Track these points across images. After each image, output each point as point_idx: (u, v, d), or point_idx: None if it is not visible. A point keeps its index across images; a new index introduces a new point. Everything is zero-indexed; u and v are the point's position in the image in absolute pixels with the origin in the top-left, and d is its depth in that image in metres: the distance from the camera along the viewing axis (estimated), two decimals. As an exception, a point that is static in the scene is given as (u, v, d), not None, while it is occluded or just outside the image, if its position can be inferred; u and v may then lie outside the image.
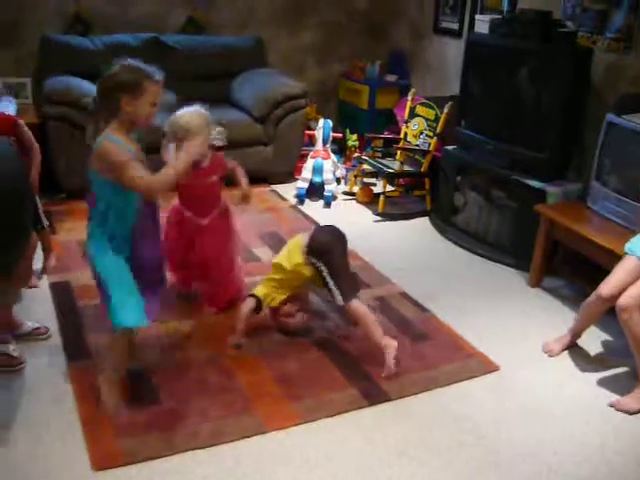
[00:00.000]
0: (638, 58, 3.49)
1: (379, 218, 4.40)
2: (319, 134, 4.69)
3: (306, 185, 4.57)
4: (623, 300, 2.51)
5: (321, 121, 4.76)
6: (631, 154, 3.14)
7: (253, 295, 2.82)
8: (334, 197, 4.64)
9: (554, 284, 3.52)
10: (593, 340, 2.99)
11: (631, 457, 2.30)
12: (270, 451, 2.23)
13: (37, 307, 3.00)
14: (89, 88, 3.87)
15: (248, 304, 2.81)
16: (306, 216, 4.30)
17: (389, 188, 4.53)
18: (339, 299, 2.70)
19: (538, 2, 3.91)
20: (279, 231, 3.98)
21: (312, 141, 4.86)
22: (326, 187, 4.56)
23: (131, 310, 2.19)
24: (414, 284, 3.43)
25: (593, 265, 3.09)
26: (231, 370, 2.63)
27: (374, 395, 2.53)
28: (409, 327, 3.02)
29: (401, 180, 4.71)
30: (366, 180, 4.86)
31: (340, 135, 5.16)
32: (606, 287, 2.63)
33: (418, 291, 3.35)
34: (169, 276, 2.80)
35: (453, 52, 4.94)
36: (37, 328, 2.78)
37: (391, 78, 5.55)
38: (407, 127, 4.75)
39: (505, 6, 4.23)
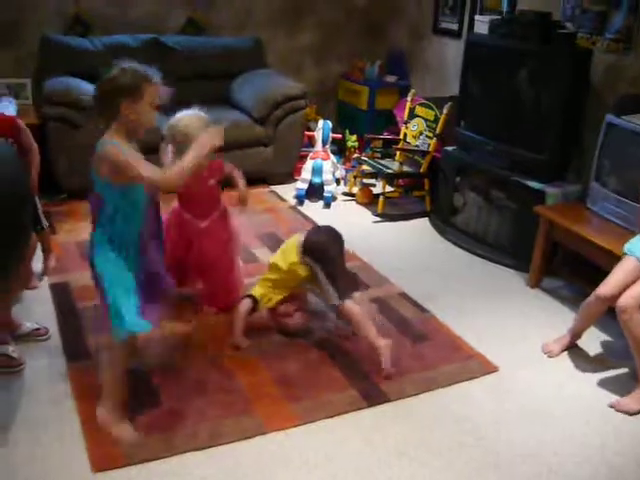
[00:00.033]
0: (637, 59, 3.49)
1: (378, 219, 4.40)
2: (318, 135, 4.69)
3: (306, 186, 4.57)
4: (623, 301, 2.51)
5: (320, 122, 4.76)
6: (630, 155, 3.15)
7: (250, 295, 2.83)
8: (334, 198, 4.64)
9: (553, 285, 3.52)
10: (593, 341, 2.99)
11: (631, 458, 2.30)
12: (269, 452, 2.23)
13: (37, 308, 3.00)
14: (89, 89, 3.85)
15: (245, 305, 2.82)
16: (305, 217, 4.30)
17: (388, 189, 4.53)
18: (333, 299, 2.70)
19: (538, 3, 3.92)
20: (278, 232, 3.98)
21: (311, 142, 4.86)
22: (325, 188, 4.56)
23: (133, 314, 2.14)
24: (413, 285, 3.43)
25: (592, 266, 3.09)
26: (231, 371, 2.63)
27: (373, 396, 2.53)
28: (408, 328, 3.02)
29: (400, 181, 4.71)
30: (365, 181, 4.86)
31: (339, 136, 5.16)
32: (605, 287, 2.63)
33: (417, 292, 3.35)
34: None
35: (452, 53, 4.94)
36: (37, 329, 2.78)
37: (390, 79, 5.55)
38: (406, 128, 4.75)
39: (504, 7, 4.24)
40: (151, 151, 2.46)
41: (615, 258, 2.75)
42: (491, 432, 2.39)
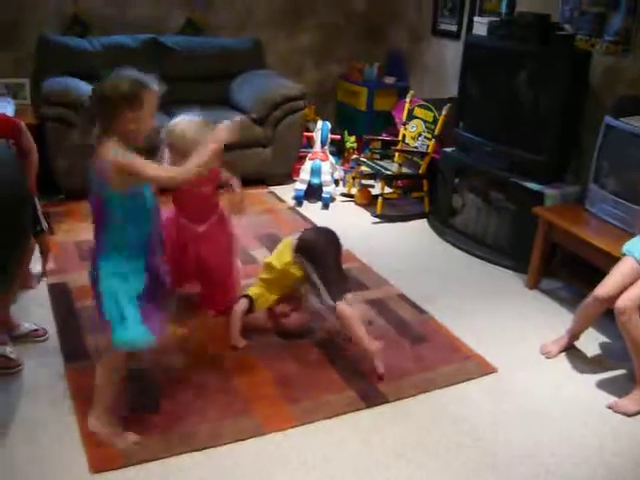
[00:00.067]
0: (636, 61, 3.49)
1: (377, 220, 4.40)
2: (317, 136, 4.69)
3: (304, 187, 4.57)
4: (621, 302, 2.51)
5: (319, 123, 4.76)
6: (629, 156, 3.15)
7: (246, 295, 2.83)
8: (332, 199, 4.64)
9: (552, 286, 3.53)
10: (591, 342, 3.00)
11: (629, 459, 2.31)
12: (268, 453, 2.23)
13: (35, 309, 3.00)
14: (87, 89, 3.85)
15: (241, 305, 2.82)
16: (304, 218, 4.30)
17: (387, 190, 4.54)
18: (325, 300, 2.70)
19: (536, 5, 3.92)
20: (277, 233, 3.97)
21: (310, 143, 4.86)
22: (324, 189, 4.56)
23: (136, 326, 2.08)
24: (412, 286, 3.43)
25: (591, 267, 3.09)
26: (229, 372, 2.63)
27: (372, 397, 2.53)
28: (407, 329, 3.02)
29: (399, 182, 4.71)
30: (364, 182, 4.85)
31: (338, 137, 5.16)
32: (603, 288, 2.63)
33: (416, 293, 3.35)
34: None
35: (451, 54, 4.94)
36: (35, 330, 2.78)
37: (389, 80, 5.55)
38: (405, 129, 4.75)
39: (503, 8, 4.24)
40: (149, 152, 2.44)
41: (613, 259, 2.75)
42: (489, 433, 2.39)
